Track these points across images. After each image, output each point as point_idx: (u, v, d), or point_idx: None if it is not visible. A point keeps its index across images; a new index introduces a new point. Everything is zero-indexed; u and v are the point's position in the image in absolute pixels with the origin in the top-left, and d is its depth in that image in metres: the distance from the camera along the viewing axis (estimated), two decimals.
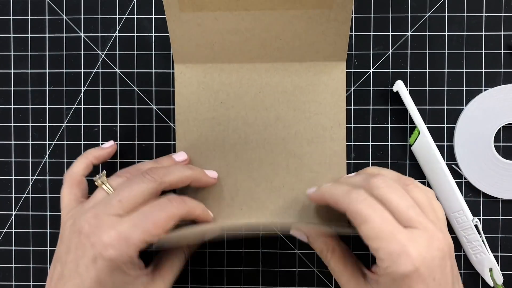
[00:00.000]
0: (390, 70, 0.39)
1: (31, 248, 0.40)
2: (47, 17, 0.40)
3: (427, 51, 0.39)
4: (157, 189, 0.33)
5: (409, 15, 0.39)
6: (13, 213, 0.40)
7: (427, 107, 0.39)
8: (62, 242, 0.33)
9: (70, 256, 0.31)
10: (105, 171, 0.34)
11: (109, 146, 0.38)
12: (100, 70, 0.40)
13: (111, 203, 0.32)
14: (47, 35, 0.40)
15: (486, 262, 0.38)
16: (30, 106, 0.40)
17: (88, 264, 0.30)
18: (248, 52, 0.38)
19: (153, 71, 0.40)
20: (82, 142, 0.40)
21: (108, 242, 0.30)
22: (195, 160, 0.39)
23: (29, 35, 0.40)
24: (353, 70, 0.39)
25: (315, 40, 0.37)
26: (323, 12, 0.36)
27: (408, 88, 0.39)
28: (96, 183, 0.34)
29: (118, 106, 0.40)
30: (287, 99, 0.38)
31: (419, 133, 0.38)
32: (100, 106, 0.40)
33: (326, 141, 0.38)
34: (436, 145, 0.39)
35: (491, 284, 0.38)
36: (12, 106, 0.40)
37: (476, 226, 0.38)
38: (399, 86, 0.38)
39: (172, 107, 0.40)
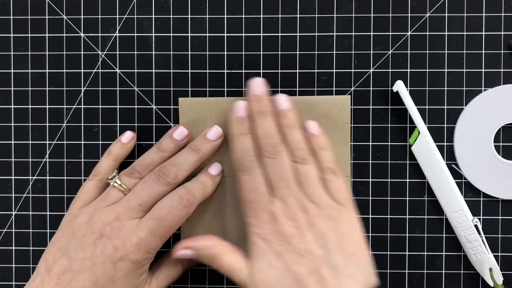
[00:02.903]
0: (390, 70, 0.39)
1: (31, 248, 0.40)
2: (47, 17, 0.40)
3: (427, 51, 0.39)
4: (171, 190, 0.35)
5: (409, 15, 0.39)
6: (13, 213, 0.40)
7: (427, 107, 0.39)
8: (72, 237, 0.34)
9: (84, 253, 0.33)
10: (117, 170, 0.37)
11: (129, 140, 0.39)
12: (100, 70, 0.40)
13: (131, 206, 0.34)
14: (47, 35, 0.40)
15: (486, 262, 0.38)
16: (30, 106, 0.40)
17: (106, 264, 0.32)
18: None
19: (153, 71, 0.40)
20: (82, 142, 0.40)
21: (131, 249, 0.33)
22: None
23: (29, 35, 0.40)
24: (353, 70, 0.39)
25: None
26: None
27: (408, 88, 0.39)
28: (110, 182, 0.36)
29: (118, 106, 0.40)
30: None
31: (419, 133, 0.38)
32: (100, 106, 0.40)
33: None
34: (436, 145, 0.39)
35: (491, 284, 0.38)
36: (12, 106, 0.40)
37: (476, 226, 0.38)
38: (399, 86, 0.38)
39: (172, 107, 0.40)
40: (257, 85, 0.36)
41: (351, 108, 0.39)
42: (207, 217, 0.39)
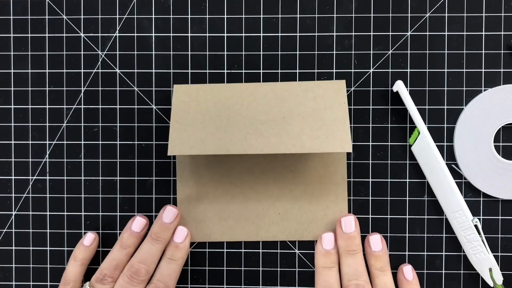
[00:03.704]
0: (390, 70, 0.39)
1: (31, 248, 0.40)
2: (47, 17, 0.40)
3: (427, 51, 0.39)
4: (146, 284, 0.37)
5: (409, 15, 0.39)
6: (13, 213, 0.40)
7: (427, 107, 0.39)
8: None
9: None
10: (88, 282, 0.37)
11: (92, 242, 0.39)
12: (100, 70, 0.40)
13: None
14: (47, 35, 0.40)
15: (486, 262, 0.38)
16: (30, 106, 0.40)
17: None
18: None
19: (153, 71, 0.40)
20: (82, 142, 0.40)
21: None
22: (195, 172, 0.39)
23: (29, 35, 0.40)
24: (353, 70, 0.39)
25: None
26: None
27: (408, 88, 0.39)
28: None
29: (118, 106, 0.40)
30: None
31: (419, 133, 0.38)
32: (100, 106, 0.40)
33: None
34: (436, 145, 0.39)
35: (491, 284, 0.38)
36: (12, 106, 0.40)
37: (476, 226, 0.38)
38: (399, 86, 0.38)
39: (172, 107, 0.40)
40: (349, 223, 0.37)
41: (347, 90, 0.39)
42: (204, 204, 0.39)
